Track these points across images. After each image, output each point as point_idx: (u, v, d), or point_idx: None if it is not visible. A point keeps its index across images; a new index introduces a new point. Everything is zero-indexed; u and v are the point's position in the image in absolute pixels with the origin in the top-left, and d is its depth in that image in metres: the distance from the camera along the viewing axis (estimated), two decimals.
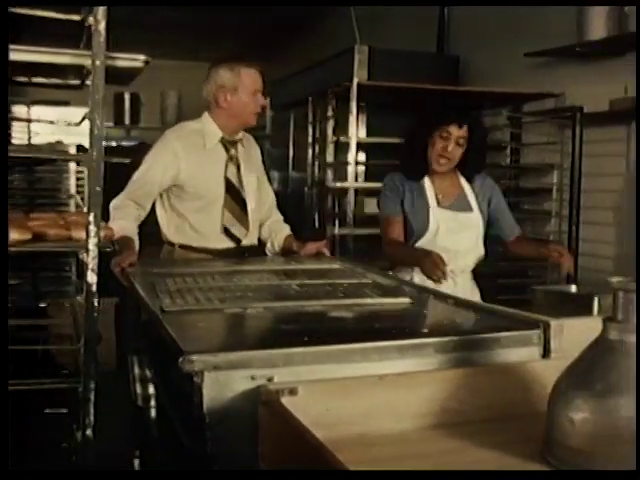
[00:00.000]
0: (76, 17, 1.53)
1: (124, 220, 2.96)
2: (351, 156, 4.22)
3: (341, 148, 4.45)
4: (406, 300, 2.05)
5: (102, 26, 1.51)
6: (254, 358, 1.47)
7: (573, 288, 2.99)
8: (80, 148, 5.81)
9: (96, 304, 1.56)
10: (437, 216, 3.03)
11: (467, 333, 1.67)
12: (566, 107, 4.11)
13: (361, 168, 4.86)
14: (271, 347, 1.52)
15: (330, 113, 4.38)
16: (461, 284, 3.03)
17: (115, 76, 1.70)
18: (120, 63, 1.60)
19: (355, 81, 4.11)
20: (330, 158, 4.49)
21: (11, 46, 1.55)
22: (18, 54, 1.58)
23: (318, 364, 1.51)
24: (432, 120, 3.07)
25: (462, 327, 1.77)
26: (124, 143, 8.82)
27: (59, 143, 5.54)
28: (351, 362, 1.53)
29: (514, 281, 4.18)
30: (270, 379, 1.47)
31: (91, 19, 1.51)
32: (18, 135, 5.67)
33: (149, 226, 3.22)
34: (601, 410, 1.17)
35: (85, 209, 1.46)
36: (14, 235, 1.59)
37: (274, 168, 6.31)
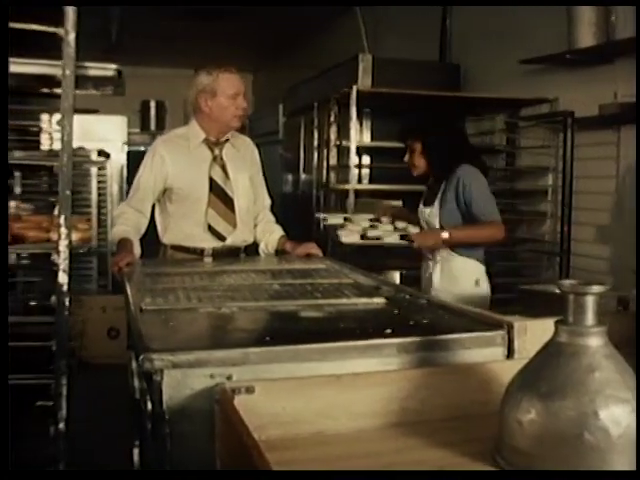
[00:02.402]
0: (51, 29, 1.49)
1: (124, 225, 2.99)
2: (351, 159, 4.17)
3: (347, 152, 4.40)
4: (381, 300, 2.00)
5: (71, 37, 1.47)
6: (212, 357, 1.43)
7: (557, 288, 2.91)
8: (101, 153, 5.83)
9: (67, 303, 1.51)
10: (420, 213, 3.34)
11: (431, 334, 1.60)
12: (558, 112, 4.04)
13: (366, 171, 4.82)
14: (230, 346, 1.48)
15: (332, 118, 4.33)
16: (446, 270, 3.21)
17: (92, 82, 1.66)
18: (92, 72, 1.56)
19: (355, 88, 4.06)
20: (333, 161, 4.44)
21: None
22: None
23: (277, 363, 1.47)
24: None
25: (427, 328, 1.70)
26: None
27: (81, 149, 5.56)
28: (310, 361, 1.49)
29: (509, 280, 4.10)
30: (229, 377, 1.43)
31: (61, 30, 1.46)
32: (46, 142, 5.63)
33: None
34: (547, 412, 1.12)
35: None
36: None
37: (286, 171, 6.31)
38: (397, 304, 1.97)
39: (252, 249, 3.22)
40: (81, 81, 1.65)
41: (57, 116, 6.02)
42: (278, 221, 3.36)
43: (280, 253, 3.16)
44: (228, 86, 3.02)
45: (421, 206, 3.34)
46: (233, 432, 1.23)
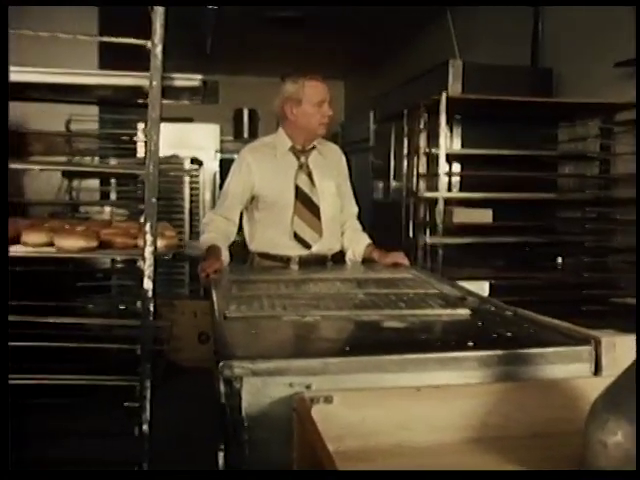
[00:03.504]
0: (139, 42, 1.54)
1: (213, 232, 3.05)
2: (440, 167, 4.12)
3: (436, 159, 4.36)
4: (465, 312, 1.97)
5: (158, 49, 1.52)
6: (291, 366, 1.44)
7: None
8: (194, 161, 5.98)
9: (152, 309, 1.56)
10: None
11: (514, 347, 1.57)
12: None
13: (456, 179, 4.76)
14: (310, 356, 1.48)
15: (422, 126, 4.29)
16: None
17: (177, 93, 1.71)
18: (177, 83, 1.61)
19: (444, 95, 4.01)
20: (422, 169, 4.39)
21: (75, 70, 1.59)
22: (84, 78, 1.61)
23: (356, 373, 1.46)
24: None
25: (511, 341, 1.66)
26: None
27: (174, 156, 5.71)
28: (390, 372, 1.48)
29: (602, 292, 3.95)
30: (308, 387, 1.43)
31: (148, 43, 1.52)
32: (141, 150, 5.79)
33: None
34: (634, 435, 1.07)
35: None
36: (80, 243, 1.63)
37: (377, 178, 6.31)
38: (481, 316, 1.93)
39: (340, 257, 3.22)
40: (175, 92, 1.70)
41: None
42: (366, 229, 3.34)
43: (367, 262, 3.15)
44: (313, 94, 3.04)
45: None
46: (309, 442, 1.23)
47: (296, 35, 7.36)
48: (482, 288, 3.91)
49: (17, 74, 1.57)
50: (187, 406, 3.32)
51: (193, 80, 1.62)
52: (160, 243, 1.64)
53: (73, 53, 4.50)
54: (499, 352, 1.53)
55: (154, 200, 1.55)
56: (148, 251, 1.56)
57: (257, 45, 7.87)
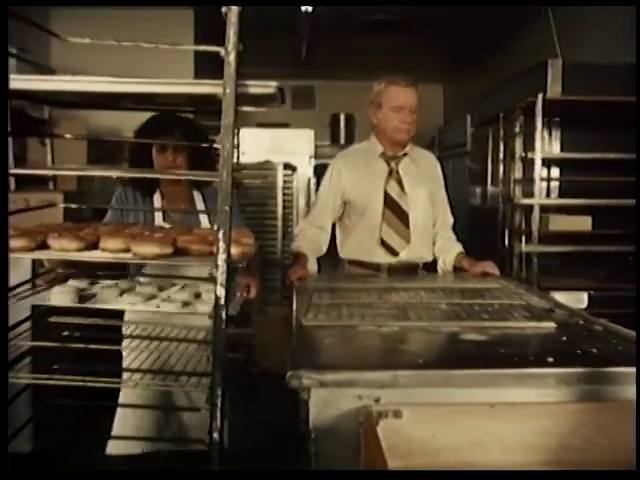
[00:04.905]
0: (214, 49, 1.57)
1: (301, 241, 3.10)
2: (536, 172, 4.00)
3: (533, 164, 4.24)
4: (550, 325, 1.89)
5: (232, 57, 1.54)
6: (360, 378, 1.43)
7: None
8: (287, 166, 6.05)
9: (224, 316, 1.58)
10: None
11: (597, 365, 1.50)
12: None
13: (555, 184, 4.62)
14: (380, 368, 1.46)
15: (517, 129, 4.19)
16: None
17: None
18: (252, 90, 1.62)
19: (540, 96, 3.90)
20: (518, 174, 4.28)
21: (152, 80, 1.62)
22: (160, 87, 1.64)
23: (427, 387, 1.44)
24: (148, 134, 2.74)
25: (595, 358, 1.58)
26: None
27: (267, 162, 5.80)
28: (463, 387, 1.44)
29: None
30: (377, 400, 1.42)
31: (222, 50, 1.54)
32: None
33: None
34: None
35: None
36: (155, 249, 1.67)
37: (474, 183, 6.21)
38: (568, 330, 1.86)
39: (432, 266, 3.17)
40: (252, 99, 1.71)
41: (245, 131, 6.31)
42: (460, 239, 3.28)
43: (458, 270, 3.09)
44: (393, 98, 3.02)
45: (161, 222, 2.71)
46: (373, 457, 1.22)
47: (393, 38, 7.32)
48: (580, 299, 3.80)
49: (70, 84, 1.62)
50: (274, 414, 3.35)
51: (268, 87, 1.62)
52: (235, 250, 1.65)
53: (172, 63, 4.64)
54: (580, 370, 1.47)
55: (227, 208, 1.56)
56: (221, 259, 1.57)
57: (353, 49, 7.87)
